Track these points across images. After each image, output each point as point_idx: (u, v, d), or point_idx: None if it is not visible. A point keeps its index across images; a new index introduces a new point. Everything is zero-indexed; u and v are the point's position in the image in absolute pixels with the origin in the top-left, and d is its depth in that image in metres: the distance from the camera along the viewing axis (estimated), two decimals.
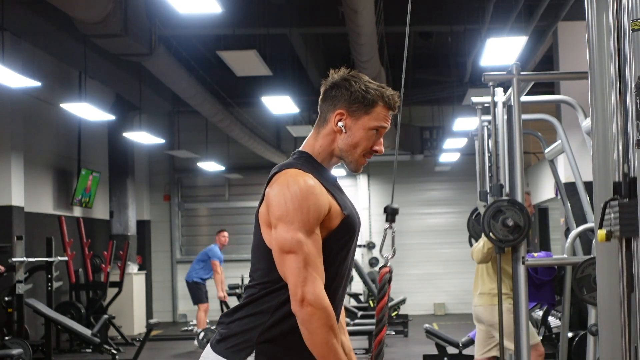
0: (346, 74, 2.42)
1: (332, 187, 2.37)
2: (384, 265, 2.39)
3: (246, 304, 2.35)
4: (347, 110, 2.39)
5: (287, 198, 2.25)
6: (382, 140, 2.44)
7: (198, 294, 11.49)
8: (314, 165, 2.39)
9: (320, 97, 2.45)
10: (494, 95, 4.87)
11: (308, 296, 2.20)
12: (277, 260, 2.27)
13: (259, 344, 2.28)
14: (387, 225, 2.44)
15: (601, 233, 2.41)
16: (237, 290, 13.08)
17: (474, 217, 6.72)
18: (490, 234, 4.33)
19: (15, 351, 8.44)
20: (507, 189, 4.59)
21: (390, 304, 11.92)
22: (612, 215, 2.40)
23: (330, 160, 2.44)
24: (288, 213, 2.24)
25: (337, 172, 2.52)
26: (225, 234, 11.86)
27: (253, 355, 2.28)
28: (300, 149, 2.46)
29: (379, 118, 2.39)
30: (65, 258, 11.03)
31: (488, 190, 5.78)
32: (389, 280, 2.38)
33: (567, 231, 6.57)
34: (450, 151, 14.20)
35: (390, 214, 2.42)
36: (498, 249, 4.42)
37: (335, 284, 2.37)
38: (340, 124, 2.39)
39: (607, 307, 2.64)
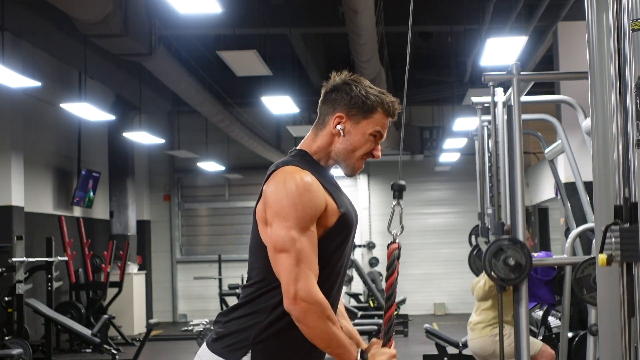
0: (348, 78, 2.43)
1: (330, 185, 2.38)
2: (393, 242, 2.39)
3: (243, 303, 2.35)
4: (347, 114, 2.40)
5: (282, 195, 2.26)
6: (379, 146, 2.45)
7: None
8: (311, 163, 2.40)
9: (321, 98, 2.46)
10: (494, 95, 4.87)
11: (300, 292, 2.21)
12: (271, 258, 2.28)
13: (255, 344, 2.29)
14: (394, 202, 2.44)
15: (602, 257, 2.40)
16: (237, 290, 13.08)
17: (475, 252, 6.74)
18: (492, 273, 4.32)
19: (15, 351, 8.44)
20: (507, 221, 4.57)
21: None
22: (613, 239, 2.40)
23: (327, 161, 2.45)
24: (283, 209, 2.25)
25: (337, 171, 2.52)
26: None
27: (249, 354, 2.29)
28: (297, 147, 2.47)
29: (377, 124, 2.40)
30: (65, 258, 11.03)
31: (489, 227, 5.80)
32: (398, 257, 2.38)
33: (567, 231, 6.57)
34: (450, 151, 14.20)
35: (397, 190, 2.43)
36: (499, 288, 4.42)
37: (331, 282, 2.37)
38: (339, 127, 2.40)
39: (607, 307, 2.64)
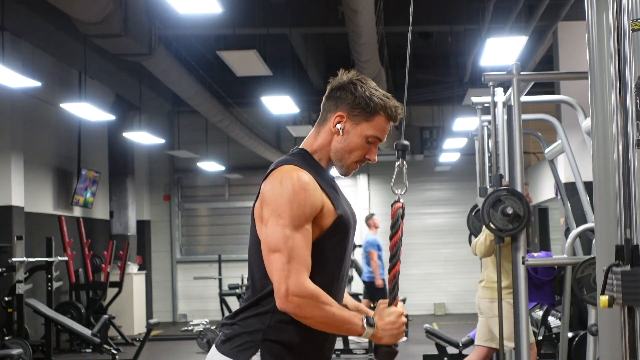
0: (354, 77, 2.42)
1: (327, 186, 2.38)
2: (397, 201, 2.39)
3: (249, 305, 2.36)
4: (348, 114, 2.40)
5: (278, 193, 2.27)
6: (376, 150, 2.45)
7: (376, 291, 11.46)
8: (311, 163, 2.40)
9: (325, 95, 2.46)
10: (494, 95, 4.87)
11: (292, 288, 2.21)
12: (264, 257, 2.29)
13: (264, 342, 2.30)
14: (398, 162, 2.43)
15: (603, 299, 2.38)
16: (237, 290, 13.06)
17: (473, 213, 6.72)
18: (490, 223, 4.32)
19: (15, 351, 8.44)
20: (506, 178, 4.59)
21: None
22: (615, 282, 2.38)
23: (327, 161, 2.45)
24: (279, 207, 2.26)
25: (335, 172, 2.52)
26: (375, 217, 11.81)
27: (258, 354, 2.30)
28: (299, 146, 2.48)
29: (377, 128, 2.40)
30: (65, 258, 11.03)
31: (488, 185, 5.79)
32: (402, 216, 2.37)
33: (567, 231, 6.57)
34: (450, 151, 14.19)
35: (401, 149, 2.42)
36: (498, 239, 4.42)
37: (337, 285, 2.38)
38: (338, 125, 2.40)
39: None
